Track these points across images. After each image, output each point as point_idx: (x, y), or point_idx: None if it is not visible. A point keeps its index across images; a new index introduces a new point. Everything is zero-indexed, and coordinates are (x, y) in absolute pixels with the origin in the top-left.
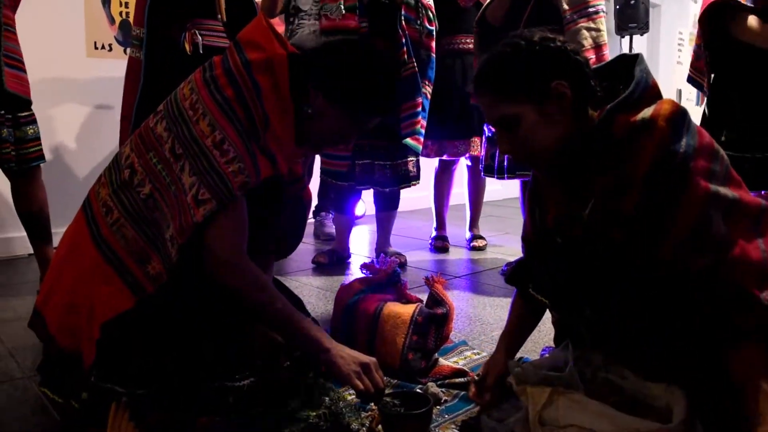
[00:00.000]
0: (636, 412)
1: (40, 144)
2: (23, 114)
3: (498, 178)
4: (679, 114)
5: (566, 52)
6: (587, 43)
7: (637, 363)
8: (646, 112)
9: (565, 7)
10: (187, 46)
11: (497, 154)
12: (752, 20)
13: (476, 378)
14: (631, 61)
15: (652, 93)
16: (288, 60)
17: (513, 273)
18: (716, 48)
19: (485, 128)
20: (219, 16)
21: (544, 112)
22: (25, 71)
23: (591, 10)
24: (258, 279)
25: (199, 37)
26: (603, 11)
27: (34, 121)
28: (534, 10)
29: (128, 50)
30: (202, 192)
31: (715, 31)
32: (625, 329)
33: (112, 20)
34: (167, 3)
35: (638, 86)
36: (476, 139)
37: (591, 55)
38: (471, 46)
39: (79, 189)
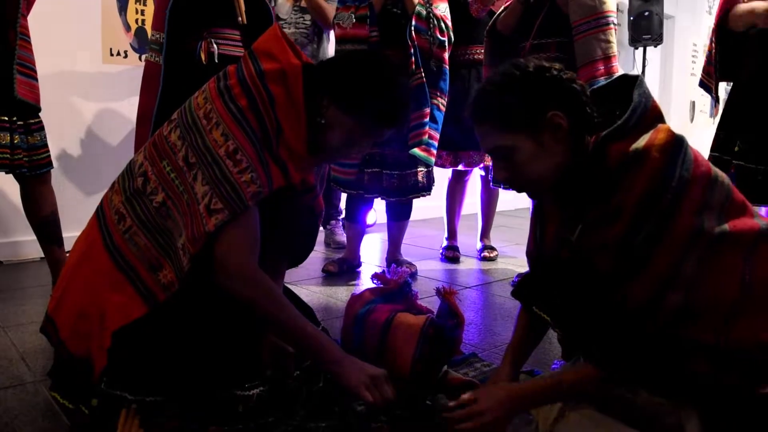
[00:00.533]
0: (647, 428)
1: (49, 150)
2: (33, 121)
3: (506, 188)
4: (675, 143)
5: (561, 81)
6: (597, 54)
7: (650, 382)
8: (640, 142)
9: (576, 17)
10: (203, 56)
11: None
12: (738, 5)
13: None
14: (632, 82)
15: (652, 116)
16: (302, 70)
17: (518, 287)
18: (730, 59)
19: None
20: (239, 19)
21: (540, 143)
22: (36, 79)
23: (602, 21)
24: (269, 290)
25: (215, 47)
26: (614, 23)
27: (42, 128)
28: (545, 20)
29: (144, 55)
30: (215, 201)
31: (728, 41)
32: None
33: (128, 27)
34: (187, 9)
35: (634, 113)
36: None
37: (600, 66)
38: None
39: (93, 194)
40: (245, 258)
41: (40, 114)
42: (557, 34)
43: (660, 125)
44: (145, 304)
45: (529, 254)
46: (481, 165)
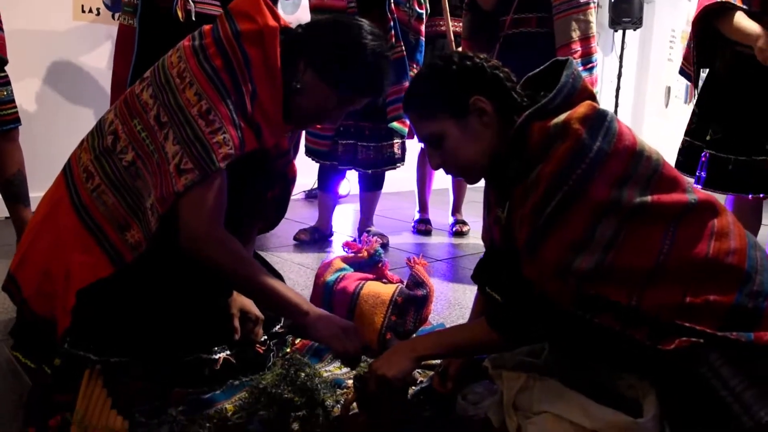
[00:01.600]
0: (609, 401)
1: (16, 106)
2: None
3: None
4: (595, 116)
5: (483, 69)
6: (575, 34)
7: (611, 354)
8: (561, 117)
9: None
10: (179, 13)
11: None
12: (739, 16)
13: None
14: (563, 66)
15: (582, 96)
16: (280, 33)
17: (476, 271)
18: (707, 48)
19: None
20: None
21: (467, 128)
22: (1, 30)
23: (582, 1)
24: (234, 250)
25: (192, 4)
26: (594, 2)
27: (8, 83)
28: None
29: (119, 17)
30: (185, 161)
31: (707, 31)
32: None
33: None
34: None
35: (560, 93)
36: None
37: (577, 47)
38: (443, 29)
39: (61, 154)
40: (211, 220)
41: (5, 68)
42: (537, 8)
43: (583, 102)
44: (112, 264)
45: (483, 238)
46: None
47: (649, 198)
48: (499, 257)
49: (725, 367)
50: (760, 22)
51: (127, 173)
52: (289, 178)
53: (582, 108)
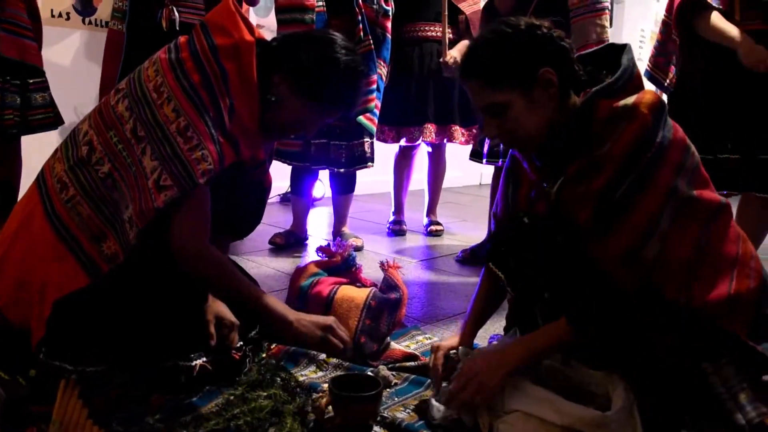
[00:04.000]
0: (578, 398)
1: (51, 111)
2: (32, 81)
3: (488, 162)
4: (660, 105)
5: (552, 39)
6: (592, 38)
7: (584, 350)
8: (629, 100)
9: (574, 0)
10: (163, 23)
11: (487, 140)
12: (714, 17)
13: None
14: (619, 50)
15: (636, 83)
16: (255, 46)
17: (480, 252)
18: (683, 46)
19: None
20: None
21: (532, 99)
22: (31, 38)
23: (598, 6)
24: (221, 266)
25: (176, 14)
26: (608, 8)
27: (44, 89)
28: (541, 0)
29: (112, 23)
30: (164, 178)
31: (684, 30)
32: (590, 308)
33: None
34: None
35: (624, 73)
36: (429, 126)
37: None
38: (430, 33)
39: (31, 162)
40: (196, 235)
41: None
42: (554, 12)
43: (645, 89)
44: (88, 275)
45: (496, 215)
46: (428, 141)
47: (695, 192)
48: (533, 232)
49: (727, 367)
50: (732, 22)
51: (103, 185)
52: (264, 186)
53: (649, 95)
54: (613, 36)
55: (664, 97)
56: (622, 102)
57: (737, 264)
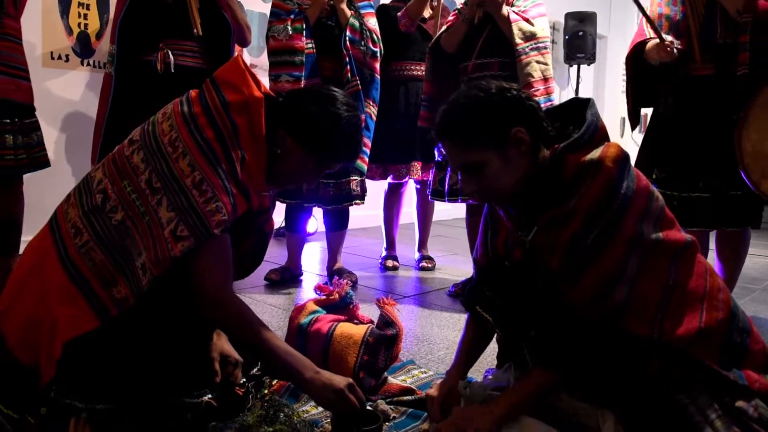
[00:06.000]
0: (570, 429)
1: (43, 149)
2: (28, 120)
3: (449, 201)
4: (624, 157)
5: (521, 100)
6: (537, 75)
7: (572, 384)
8: (595, 153)
9: (518, 40)
10: (159, 66)
11: (447, 179)
12: (650, 44)
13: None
14: (583, 104)
15: (601, 135)
16: (264, 102)
17: (467, 297)
18: (646, 87)
19: (436, 151)
20: (195, 31)
21: (506, 157)
22: (26, 79)
23: (540, 44)
24: (242, 314)
25: (171, 57)
26: (549, 47)
27: (38, 127)
28: (487, 40)
29: (106, 67)
30: (181, 228)
31: (644, 71)
32: (563, 350)
33: (70, 31)
34: (139, 21)
35: (589, 129)
36: (416, 164)
37: (539, 86)
38: (416, 72)
39: (34, 196)
40: (219, 283)
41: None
42: (499, 53)
43: (609, 142)
44: (98, 317)
45: (477, 260)
46: (416, 179)
47: (661, 235)
48: (515, 275)
49: (702, 396)
50: (684, 64)
51: (116, 232)
52: (266, 231)
53: (614, 148)
54: (597, 69)
55: (635, 148)
56: (589, 156)
57: (706, 298)
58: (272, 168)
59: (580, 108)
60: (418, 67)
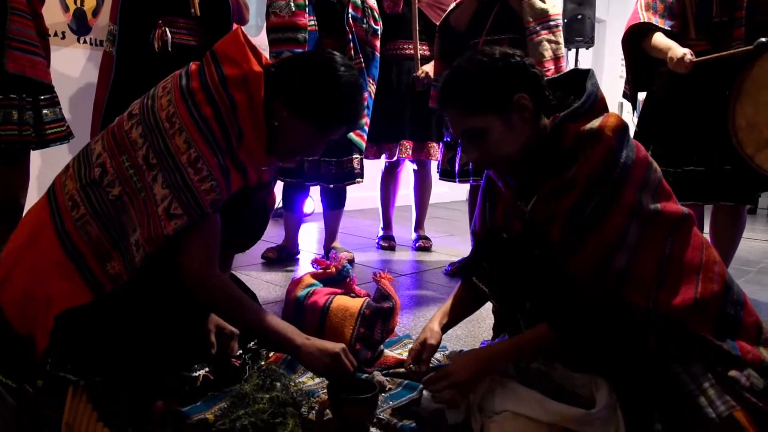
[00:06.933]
0: (564, 399)
1: (61, 125)
2: (43, 97)
3: (460, 182)
4: (623, 127)
5: (525, 67)
6: (548, 54)
7: (566, 354)
8: (594, 123)
9: (529, 18)
10: (156, 44)
11: (457, 159)
12: (656, 36)
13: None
14: (583, 75)
15: (600, 106)
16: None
17: (459, 268)
18: (642, 69)
19: (445, 132)
20: (192, 11)
21: (509, 123)
22: (40, 55)
23: (552, 23)
24: (228, 291)
25: (169, 35)
26: (560, 24)
27: (54, 104)
28: (497, 17)
29: (106, 46)
30: (175, 206)
31: (638, 53)
32: (560, 322)
33: (66, 8)
34: (140, 1)
35: (589, 98)
36: (406, 143)
37: (550, 66)
38: (409, 52)
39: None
40: (205, 262)
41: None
42: (510, 30)
43: (608, 112)
44: (92, 292)
45: (476, 232)
46: (411, 158)
47: (659, 205)
48: (513, 246)
49: (696, 365)
50: (679, 42)
51: (113, 206)
52: (268, 206)
53: (613, 118)
54: (596, 53)
55: (634, 119)
56: (588, 125)
57: (702, 270)
58: (274, 142)
59: (580, 79)
60: (411, 46)
